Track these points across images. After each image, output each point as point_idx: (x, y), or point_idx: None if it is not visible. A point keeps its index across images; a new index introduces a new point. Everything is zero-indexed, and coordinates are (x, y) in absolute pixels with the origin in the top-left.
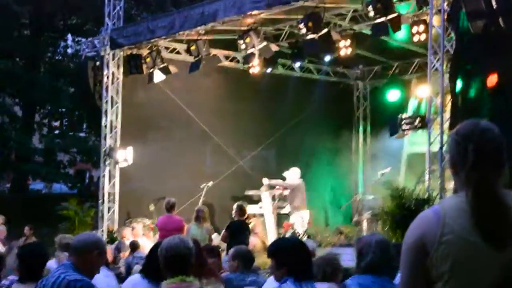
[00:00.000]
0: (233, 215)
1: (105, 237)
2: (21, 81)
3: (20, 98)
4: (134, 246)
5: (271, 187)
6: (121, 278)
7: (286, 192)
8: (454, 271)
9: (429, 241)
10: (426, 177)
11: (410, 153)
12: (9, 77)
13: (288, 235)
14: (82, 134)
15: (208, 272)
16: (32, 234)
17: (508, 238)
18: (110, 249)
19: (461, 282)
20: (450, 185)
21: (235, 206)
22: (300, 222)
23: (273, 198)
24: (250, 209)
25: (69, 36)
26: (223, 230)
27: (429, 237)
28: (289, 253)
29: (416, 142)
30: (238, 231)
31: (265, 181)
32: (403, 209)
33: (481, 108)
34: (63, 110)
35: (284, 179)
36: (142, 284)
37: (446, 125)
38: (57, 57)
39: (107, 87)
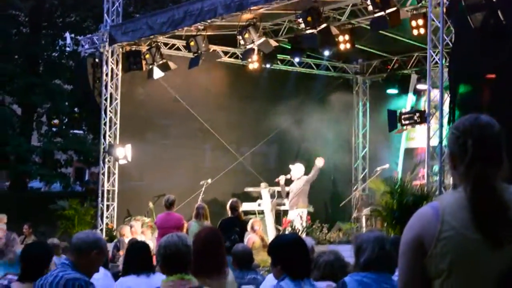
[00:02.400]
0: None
1: (104, 235)
2: (20, 80)
3: (19, 96)
4: None
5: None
6: (119, 277)
7: (287, 188)
8: (453, 268)
9: (428, 237)
10: (423, 172)
11: (407, 147)
12: (8, 75)
13: (287, 231)
14: (80, 133)
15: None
16: (31, 233)
17: (507, 234)
18: (109, 247)
19: (460, 279)
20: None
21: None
22: (298, 219)
23: (272, 195)
24: (249, 206)
25: (68, 34)
26: None
27: (427, 234)
28: (287, 250)
29: (412, 137)
30: (227, 228)
31: (282, 180)
32: (402, 205)
33: (480, 102)
34: (62, 108)
35: (289, 171)
36: (133, 280)
37: (446, 119)
38: (56, 55)
39: (106, 84)
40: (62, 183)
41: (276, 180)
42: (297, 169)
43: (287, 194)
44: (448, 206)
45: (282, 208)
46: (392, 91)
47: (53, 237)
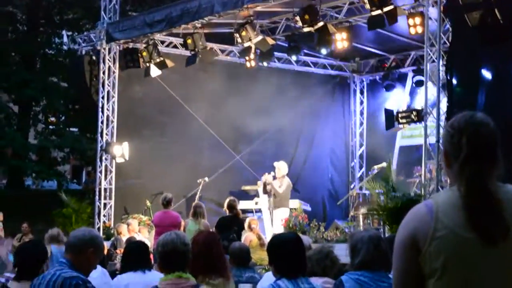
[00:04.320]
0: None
1: (101, 233)
2: (16, 77)
3: (15, 92)
4: None
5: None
6: (117, 275)
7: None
8: (447, 267)
9: (422, 236)
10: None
11: (402, 145)
12: (5, 73)
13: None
14: (76, 131)
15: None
16: (29, 231)
17: (501, 234)
18: (106, 245)
19: (454, 278)
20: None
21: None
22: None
23: (269, 194)
24: (247, 204)
25: (64, 32)
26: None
27: (421, 233)
28: (284, 248)
29: (407, 135)
30: (225, 227)
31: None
32: (398, 203)
33: (476, 100)
34: (58, 106)
35: (274, 168)
36: (130, 277)
37: (443, 118)
38: (52, 52)
39: (103, 82)
40: (58, 181)
41: (263, 179)
42: (281, 167)
43: (266, 191)
44: (442, 205)
45: None
46: (389, 89)
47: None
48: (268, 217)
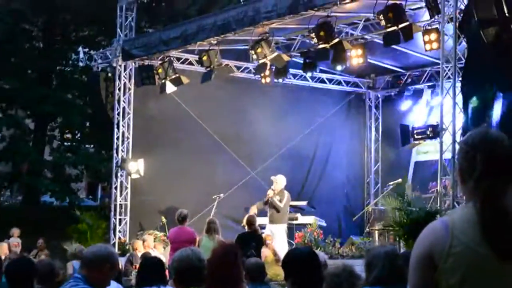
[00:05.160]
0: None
1: (116, 249)
2: (33, 94)
3: (32, 111)
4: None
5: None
6: None
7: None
8: (464, 283)
9: (438, 253)
10: (434, 185)
11: (417, 161)
12: (21, 89)
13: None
14: (91, 148)
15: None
16: (44, 247)
17: None
18: (121, 261)
19: None
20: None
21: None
22: (283, 234)
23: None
24: (262, 220)
25: (81, 49)
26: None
27: (437, 249)
28: (300, 263)
29: (422, 151)
30: (244, 243)
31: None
32: (413, 220)
33: (491, 117)
34: (74, 122)
35: (272, 182)
36: None
37: (459, 134)
38: (68, 69)
39: (119, 98)
40: (71, 200)
41: (267, 197)
42: (279, 181)
43: (268, 203)
44: (458, 221)
45: (294, 222)
46: (404, 105)
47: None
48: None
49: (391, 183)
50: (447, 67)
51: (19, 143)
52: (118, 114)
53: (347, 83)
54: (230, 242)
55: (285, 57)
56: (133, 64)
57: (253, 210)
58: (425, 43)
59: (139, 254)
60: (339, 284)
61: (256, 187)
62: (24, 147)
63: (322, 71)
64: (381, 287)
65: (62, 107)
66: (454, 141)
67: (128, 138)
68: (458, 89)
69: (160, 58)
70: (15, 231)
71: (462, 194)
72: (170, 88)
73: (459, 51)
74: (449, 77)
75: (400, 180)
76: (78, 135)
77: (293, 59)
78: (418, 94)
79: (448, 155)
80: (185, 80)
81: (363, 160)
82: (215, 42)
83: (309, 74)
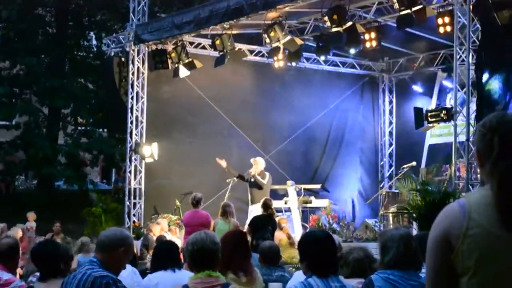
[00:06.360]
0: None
1: (131, 233)
2: (46, 79)
3: (44, 99)
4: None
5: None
6: (147, 274)
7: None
8: (480, 265)
9: (455, 235)
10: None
11: (431, 144)
12: (35, 75)
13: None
14: (104, 133)
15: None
16: (60, 231)
17: None
18: (136, 245)
19: (487, 276)
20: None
21: (261, 201)
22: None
23: (299, 193)
24: (276, 204)
25: (92, 34)
26: (247, 225)
27: (454, 231)
28: (316, 246)
29: (436, 134)
30: (260, 226)
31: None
32: (428, 202)
33: (506, 99)
34: (87, 109)
35: (251, 165)
36: (160, 276)
37: (472, 117)
38: (81, 54)
39: (132, 83)
40: (84, 186)
41: (250, 174)
42: (259, 162)
43: (243, 178)
44: (475, 203)
45: (309, 205)
46: (418, 88)
47: (81, 235)
48: (298, 216)
49: (405, 166)
50: (460, 49)
51: (33, 131)
52: (132, 98)
53: (361, 66)
54: (240, 230)
55: (298, 41)
56: (146, 48)
57: (223, 164)
58: (438, 26)
59: (154, 238)
60: (364, 270)
61: (269, 170)
62: (38, 135)
63: (335, 54)
64: (396, 270)
65: (75, 95)
66: (468, 123)
67: (142, 122)
68: (472, 72)
69: (173, 42)
70: (31, 215)
71: (481, 176)
72: (183, 72)
73: (472, 34)
74: (462, 60)
75: (414, 163)
76: (91, 120)
77: (306, 42)
78: (431, 77)
79: (462, 137)
80: (198, 64)
81: (377, 143)
82: (228, 26)
83: (322, 58)
